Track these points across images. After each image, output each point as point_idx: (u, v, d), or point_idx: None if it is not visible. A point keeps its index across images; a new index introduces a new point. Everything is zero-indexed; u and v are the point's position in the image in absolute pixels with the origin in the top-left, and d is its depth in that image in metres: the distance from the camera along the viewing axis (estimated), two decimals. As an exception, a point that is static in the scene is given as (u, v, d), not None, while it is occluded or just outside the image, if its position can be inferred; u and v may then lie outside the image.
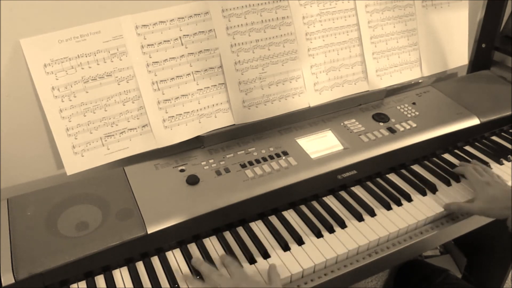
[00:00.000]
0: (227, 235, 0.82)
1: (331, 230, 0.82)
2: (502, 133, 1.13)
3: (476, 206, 0.85)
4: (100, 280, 0.73)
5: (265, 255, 0.78)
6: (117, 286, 0.72)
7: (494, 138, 1.11)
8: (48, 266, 0.71)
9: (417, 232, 0.85)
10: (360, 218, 0.85)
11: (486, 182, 0.87)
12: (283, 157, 0.94)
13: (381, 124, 1.05)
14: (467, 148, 1.07)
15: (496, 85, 1.26)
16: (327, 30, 1.03)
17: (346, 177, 0.92)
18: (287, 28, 0.98)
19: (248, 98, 0.97)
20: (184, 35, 0.90)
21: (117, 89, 0.87)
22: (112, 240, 0.75)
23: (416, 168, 0.99)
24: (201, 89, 0.93)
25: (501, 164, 1.01)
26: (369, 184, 0.94)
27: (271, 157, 0.93)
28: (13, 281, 0.69)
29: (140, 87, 0.88)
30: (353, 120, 1.06)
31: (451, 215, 0.89)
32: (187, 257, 0.77)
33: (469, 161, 1.01)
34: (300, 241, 0.80)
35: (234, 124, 0.97)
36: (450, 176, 0.96)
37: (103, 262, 0.74)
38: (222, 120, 0.96)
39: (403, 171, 0.98)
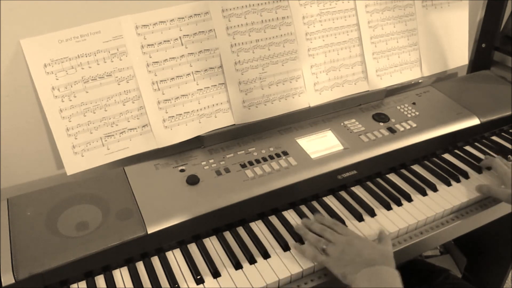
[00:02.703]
0: (227, 235, 0.82)
1: (331, 230, 0.82)
2: (502, 133, 1.12)
3: (506, 193, 0.88)
4: (100, 280, 0.73)
5: (265, 255, 0.77)
6: (117, 286, 0.72)
7: (494, 138, 1.11)
8: (48, 266, 0.71)
9: (417, 232, 0.85)
10: (360, 218, 0.85)
11: None
12: (283, 157, 0.94)
13: (381, 124, 1.05)
14: (467, 148, 1.07)
15: (496, 85, 1.26)
16: (327, 30, 1.03)
17: (346, 177, 0.92)
18: (287, 28, 0.98)
19: (248, 98, 0.97)
20: (184, 35, 0.90)
21: (117, 89, 0.87)
22: (112, 240, 0.75)
23: (416, 168, 0.99)
24: (201, 89, 0.93)
25: (501, 164, 1.01)
26: (369, 184, 0.94)
27: (271, 157, 0.93)
28: (13, 281, 0.69)
29: (140, 87, 0.89)
30: (353, 120, 1.06)
31: (451, 215, 0.89)
32: (187, 257, 0.77)
33: (469, 161, 1.01)
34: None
35: (234, 124, 0.97)
36: (450, 176, 0.96)
37: (103, 262, 0.74)
38: (222, 120, 0.96)
39: (403, 171, 0.98)
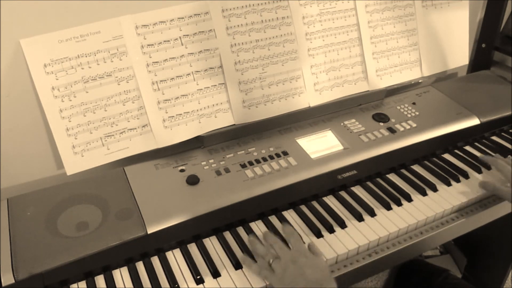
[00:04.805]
0: (227, 235, 0.82)
1: (331, 230, 0.82)
2: (502, 133, 1.12)
3: (509, 192, 0.87)
4: (100, 280, 0.73)
5: (265, 255, 0.78)
6: (117, 286, 0.72)
7: (494, 138, 1.11)
8: (48, 266, 0.71)
9: (417, 232, 0.85)
10: (360, 218, 0.85)
11: None
12: (283, 157, 0.94)
13: (381, 124, 1.05)
14: (467, 148, 1.07)
15: (496, 85, 1.26)
16: (327, 30, 1.03)
17: (346, 177, 0.92)
18: (287, 28, 0.98)
19: (248, 98, 0.97)
20: (184, 35, 0.90)
21: (117, 89, 0.87)
22: (112, 240, 0.75)
23: (416, 168, 0.99)
24: (201, 89, 0.93)
25: (501, 164, 1.01)
26: (369, 184, 0.94)
27: (271, 157, 0.93)
28: (13, 281, 0.69)
29: (140, 87, 0.89)
30: (353, 120, 1.06)
31: (451, 215, 0.89)
32: (187, 257, 0.77)
33: (469, 161, 1.01)
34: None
35: (234, 124, 0.97)
36: (450, 176, 0.96)
37: (103, 262, 0.74)
38: (222, 120, 0.96)
39: (403, 171, 0.98)
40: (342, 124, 1.05)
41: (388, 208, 0.87)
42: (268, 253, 0.74)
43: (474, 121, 1.10)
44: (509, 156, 1.02)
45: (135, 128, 0.90)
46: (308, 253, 0.73)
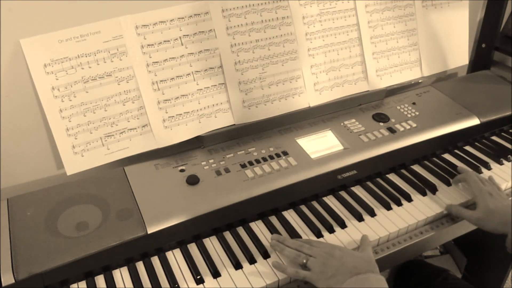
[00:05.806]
0: (227, 235, 0.82)
1: (331, 230, 0.82)
2: (502, 133, 1.13)
3: (474, 215, 0.85)
4: (100, 280, 0.73)
5: (265, 255, 0.78)
6: (117, 286, 0.72)
7: (494, 138, 1.11)
8: (48, 266, 0.71)
9: (417, 232, 0.85)
10: (360, 218, 0.85)
11: (489, 193, 0.86)
12: (283, 157, 0.94)
13: (381, 124, 1.05)
14: (467, 148, 1.07)
15: (496, 85, 1.26)
16: (327, 30, 1.03)
17: (346, 177, 0.92)
18: (287, 28, 0.98)
19: (248, 98, 0.97)
20: (184, 35, 0.90)
21: (117, 89, 0.87)
22: (112, 240, 0.75)
23: (416, 168, 0.99)
24: (201, 89, 0.93)
25: (501, 164, 1.01)
26: (369, 184, 0.94)
27: (271, 157, 0.93)
28: (13, 281, 0.69)
29: (140, 87, 0.89)
30: (353, 120, 1.06)
31: (451, 215, 0.89)
32: (187, 257, 0.77)
33: (469, 161, 1.01)
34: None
35: (234, 124, 0.97)
36: (450, 176, 0.96)
37: (103, 262, 0.74)
38: (222, 120, 0.96)
39: (403, 171, 0.98)
40: (342, 124, 1.05)
41: (388, 208, 0.87)
42: (299, 254, 0.74)
43: (474, 121, 1.10)
44: (510, 156, 1.02)
45: (135, 128, 0.90)
46: (339, 246, 0.76)
